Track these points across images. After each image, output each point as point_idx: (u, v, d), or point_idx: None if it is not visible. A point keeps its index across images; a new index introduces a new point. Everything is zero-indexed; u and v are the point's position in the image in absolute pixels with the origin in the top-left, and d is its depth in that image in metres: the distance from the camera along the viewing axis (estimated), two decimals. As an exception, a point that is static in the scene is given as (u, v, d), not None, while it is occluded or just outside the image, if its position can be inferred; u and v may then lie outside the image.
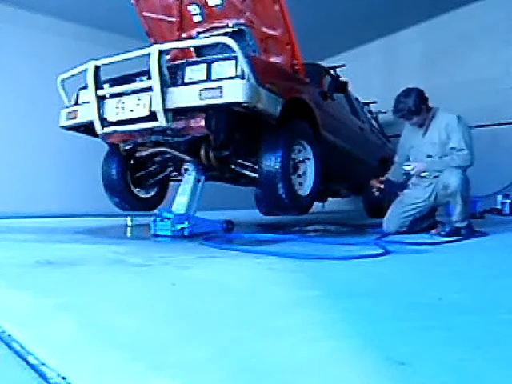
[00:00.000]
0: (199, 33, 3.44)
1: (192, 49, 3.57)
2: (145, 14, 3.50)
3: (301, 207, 2.89)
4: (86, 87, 2.81)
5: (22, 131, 5.58)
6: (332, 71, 4.02)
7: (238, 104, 2.33)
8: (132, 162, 3.35)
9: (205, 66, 2.48)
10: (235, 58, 2.38)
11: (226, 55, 2.47)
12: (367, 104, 5.66)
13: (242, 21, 3.18)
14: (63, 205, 5.49)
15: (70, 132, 3.19)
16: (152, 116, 2.49)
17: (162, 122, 2.47)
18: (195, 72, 2.50)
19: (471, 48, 5.90)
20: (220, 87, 2.32)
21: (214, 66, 2.45)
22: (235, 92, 2.30)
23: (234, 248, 2.17)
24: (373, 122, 5.60)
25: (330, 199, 5.56)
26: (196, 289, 1.31)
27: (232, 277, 1.51)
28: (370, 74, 6.92)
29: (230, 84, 2.32)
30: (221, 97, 2.31)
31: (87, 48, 5.26)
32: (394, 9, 5.90)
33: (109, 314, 1.01)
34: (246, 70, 2.33)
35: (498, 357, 0.74)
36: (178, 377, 0.66)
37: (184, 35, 3.48)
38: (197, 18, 3.36)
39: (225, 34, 3.12)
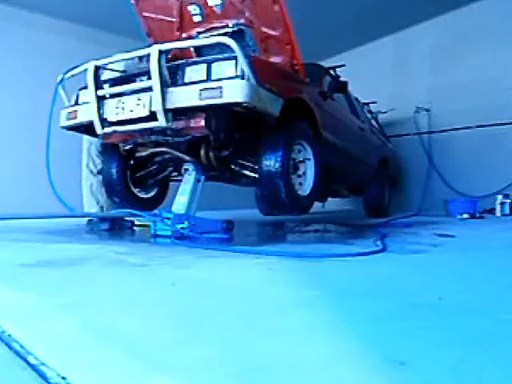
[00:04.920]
0: (199, 33, 3.43)
1: (192, 49, 3.57)
2: (145, 14, 3.50)
3: (301, 207, 2.88)
4: (86, 87, 2.81)
5: (22, 131, 5.56)
6: (332, 71, 4.02)
7: (238, 104, 2.33)
8: (132, 162, 3.34)
9: (205, 66, 2.47)
10: (235, 58, 2.37)
11: (225, 55, 2.46)
12: (367, 104, 5.65)
13: (241, 21, 3.18)
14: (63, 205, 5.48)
15: (70, 132, 3.19)
16: (152, 116, 2.49)
17: (162, 122, 2.47)
18: (195, 72, 2.50)
19: (471, 48, 5.89)
20: (220, 87, 2.32)
21: (214, 66, 2.45)
22: (235, 92, 2.30)
23: (234, 249, 2.17)
24: (373, 121, 5.59)
25: (329, 199, 5.55)
26: (196, 289, 1.30)
27: (232, 277, 1.51)
28: (371, 74, 6.90)
29: (230, 84, 2.32)
30: (221, 97, 2.31)
31: (87, 48, 5.24)
32: (393, 9, 5.89)
33: (109, 313, 1.01)
34: (246, 70, 2.33)
35: (498, 357, 0.74)
36: (178, 377, 0.66)
37: (184, 35, 3.48)
38: (197, 18, 3.36)
39: (225, 34, 3.12)
